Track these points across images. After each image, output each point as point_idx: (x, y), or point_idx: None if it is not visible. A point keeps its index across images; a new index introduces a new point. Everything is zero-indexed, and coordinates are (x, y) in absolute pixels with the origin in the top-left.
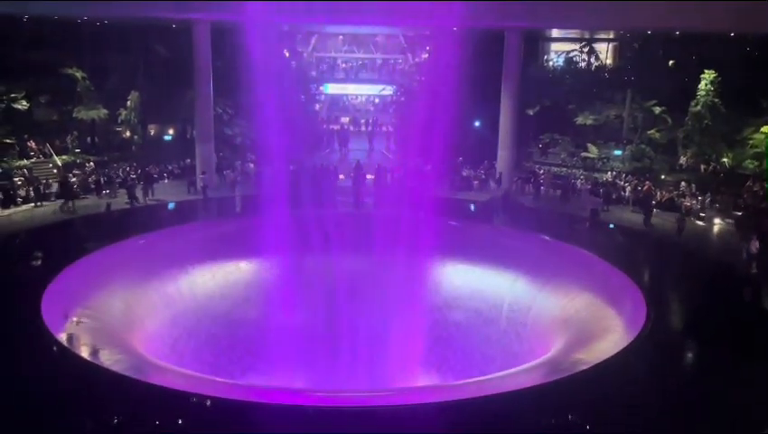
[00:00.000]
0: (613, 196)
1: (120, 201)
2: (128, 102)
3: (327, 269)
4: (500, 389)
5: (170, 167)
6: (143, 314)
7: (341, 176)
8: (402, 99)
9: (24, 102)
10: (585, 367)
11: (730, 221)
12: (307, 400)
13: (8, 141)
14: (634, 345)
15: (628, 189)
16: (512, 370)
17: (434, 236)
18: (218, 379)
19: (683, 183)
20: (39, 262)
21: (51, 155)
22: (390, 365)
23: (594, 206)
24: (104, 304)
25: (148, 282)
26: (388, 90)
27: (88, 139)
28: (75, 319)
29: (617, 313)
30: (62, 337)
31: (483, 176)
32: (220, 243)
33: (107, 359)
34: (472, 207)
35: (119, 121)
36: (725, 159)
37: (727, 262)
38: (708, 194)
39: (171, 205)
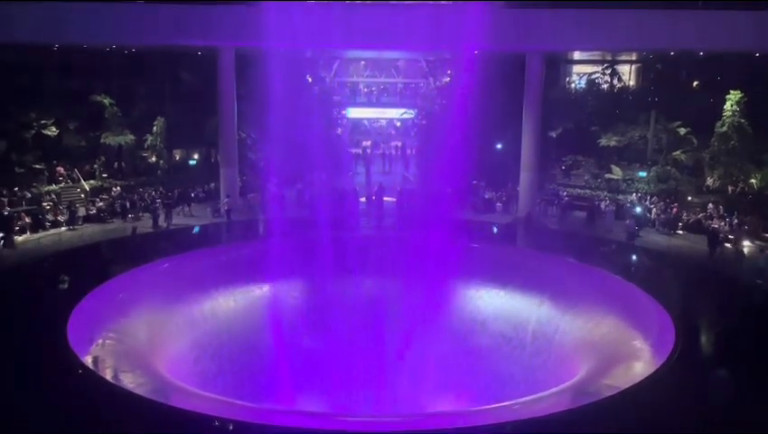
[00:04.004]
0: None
1: (146, 224)
2: (154, 128)
3: (349, 293)
4: (525, 415)
5: (194, 192)
6: (166, 336)
7: (363, 199)
8: (424, 122)
9: (54, 129)
10: (612, 393)
11: (759, 243)
12: (330, 424)
13: (38, 167)
14: (662, 371)
15: (654, 211)
16: (538, 395)
17: (456, 259)
18: (240, 402)
19: (710, 205)
20: (65, 285)
21: (79, 180)
22: (413, 390)
23: (629, 229)
24: (129, 327)
25: (172, 305)
26: (410, 114)
27: (115, 164)
28: (100, 342)
29: (644, 337)
30: (87, 360)
31: (505, 198)
32: (244, 266)
33: (131, 382)
34: (495, 229)
35: (145, 146)
36: (752, 180)
37: (757, 285)
38: (736, 216)
39: (195, 229)
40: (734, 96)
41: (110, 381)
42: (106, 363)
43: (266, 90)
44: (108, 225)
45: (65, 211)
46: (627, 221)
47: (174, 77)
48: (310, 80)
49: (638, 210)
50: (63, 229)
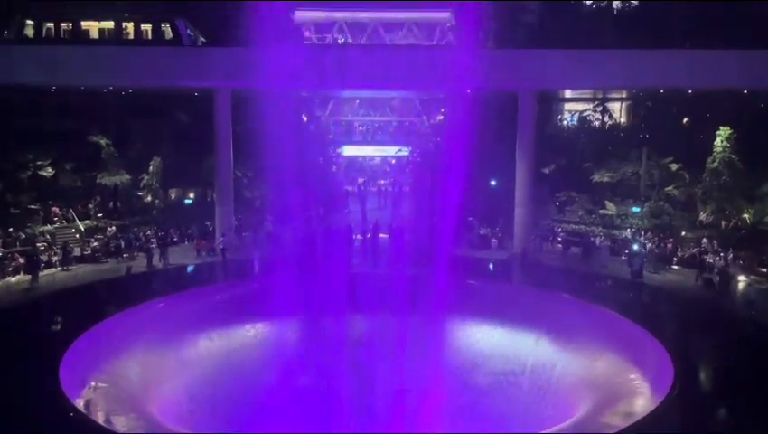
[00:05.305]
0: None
1: (140, 264)
2: (150, 167)
3: (344, 331)
4: None
5: (189, 230)
6: (161, 378)
7: (358, 236)
8: (418, 159)
9: (50, 169)
10: (612, 431)
11: (755, 277)
12: None
13: (33, 207)
14: (662, 408)
15: (649, 246)
16: None
17: (453, 296)
18: None
19: (704, 240)
20: (58, 327)
21: (74, 220)
22: (411, 429)
23: (634, 267)
24: (122, 368)
25: (166, 345)
26: (404, 152)
27: (111, 204)
28: (93, 384)
29: (642, 374)
30: (80, 403)
31: (500, 235)
32: (238, 306)
33: (124, 425)
34: (491, 266)
35: (141, 186)
36: (745, 215)
37: (751, 318)
38: (731, 251)
39: (190, 268)
40: (723, 132)
41: (102, 425)
42: (98, 406)
43: (262, 130)
44: (103, 265)
45: (59, 251)
46: (623, 257)
47: (171, 117)
48: (305, 118)
49: (635, 247)
50: (57, 269)
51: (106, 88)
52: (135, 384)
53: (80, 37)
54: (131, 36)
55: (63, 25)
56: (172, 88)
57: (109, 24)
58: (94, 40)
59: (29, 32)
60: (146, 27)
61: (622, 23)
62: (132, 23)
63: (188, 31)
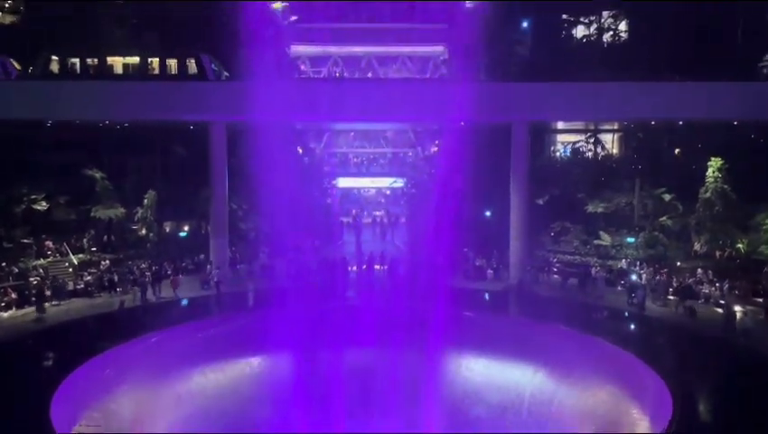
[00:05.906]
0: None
1: (134, 298)
2: (145, 201)
3: (339, 364)
4: None
5: (183, 263)
6: (153, 415)
7: (353, 268)
8: (413, 190)
9: (44, 203)
10: None
11: (750, 307)
12: None
13: (26, 241)
14: None
15: (644, 277)
16: None
17: (449, 328)
18: None
19: (699, 270)
20: (49, 363)
21: (68, 253)
22: None
23: (638, 300)
24: (114, 405)
25: (159, 381)
26: (399, 183)
27: (105, 237)
28: (83, 423)
29: (641, 406)
30: None
31: (496, 266)
32: (232, 339)
33: None
34: (487, 297)
35: (136, 219)
36: (739, 245)
37: (752, 349)
38: (726, 281)
39: (184, 301)
40: (715, 163)
41: None
42: None
43: (257, 162)
44: (96, 300)
45: (50, 286)
46: (619, 288)
47: (166, 150)
48: (300, 151)
49: (634, 277)
50: (48, 304)
51: (101, 122)
52: (127, 422)
53: (105, 73)
54: (156, 71)
55: (89, 61)
56: (167, 121)
57: (134, 60)
58: (117, 75)
59: (54, 67)
60: (171, 62)
61: (613, 55)
62: (157, 59)
63: (212, 65)
